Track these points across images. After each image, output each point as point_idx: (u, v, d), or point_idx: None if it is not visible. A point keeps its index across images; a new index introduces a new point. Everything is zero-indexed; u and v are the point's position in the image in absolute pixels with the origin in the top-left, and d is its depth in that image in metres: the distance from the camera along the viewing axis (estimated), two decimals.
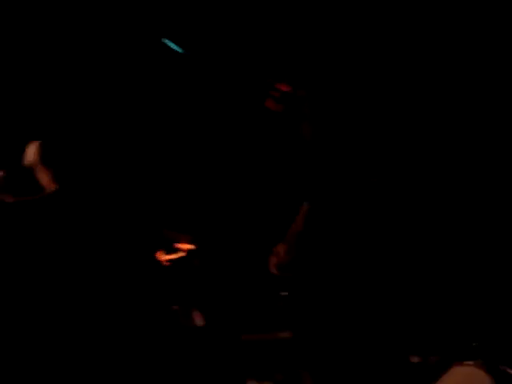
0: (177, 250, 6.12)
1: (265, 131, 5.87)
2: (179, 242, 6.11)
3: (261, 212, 6.19)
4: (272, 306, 5.89)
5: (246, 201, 6.19)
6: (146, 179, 5.97)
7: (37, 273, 4.38)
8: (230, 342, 5.95)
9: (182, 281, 6.06)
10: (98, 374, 5.32)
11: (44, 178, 4.01)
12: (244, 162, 5.97)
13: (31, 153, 4.08)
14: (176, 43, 5.85)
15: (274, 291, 5.93)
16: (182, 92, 5.87)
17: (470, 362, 4.80)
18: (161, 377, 5.72)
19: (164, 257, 6.15)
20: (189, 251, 6.10)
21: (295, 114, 5.80)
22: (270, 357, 5.76)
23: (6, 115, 4.85)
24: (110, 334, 5.69)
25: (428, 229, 5.53)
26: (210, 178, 6.04)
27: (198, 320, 6.07)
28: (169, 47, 5.86)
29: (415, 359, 5.16)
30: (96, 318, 5.67)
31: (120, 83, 5.85)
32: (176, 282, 6.03)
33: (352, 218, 5.50)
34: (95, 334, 5.60)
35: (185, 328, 5.97)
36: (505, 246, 5.42)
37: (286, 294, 5.73)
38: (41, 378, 4.81)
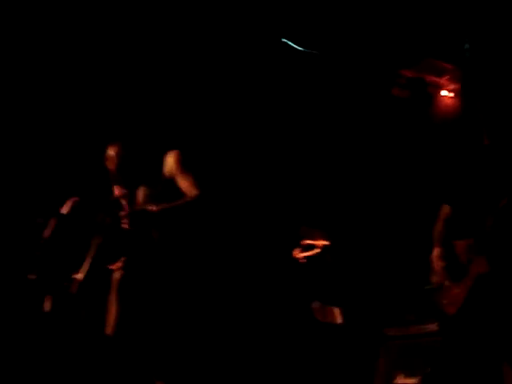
0: (312, 247, 6.11)
1: (394, 120, 5.89)
2: (315, 239, 6.10)
3: (392, 208, 6.16)
4: (415, 298, 5.77)
5: (378, 196, 6.16)
6: (281, 179, 6.01)
7: (180, 272, 4.39)
8: (372, 338, 5.85)
9: (319, 277, 6.03)
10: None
11: (185, 185, 4.06)
12: (376, 155, 5.97)
13: (171, 162, 4.15)
14: (295, 42, 5.95)
15: (413, 285, 5.83)
16: (310, 87, 5.94)
17: None
18: (300, 372, 5.66)
19: (300, 254, 6.14)
20: (324, 247, 6.08)
21: (423, 100, 5.82)
22: (416, 351, 5.60)
23: (142, 130, 4.96)
24: (248, 330, 5.69)
25: None
26: (344, 174, 6.04)
27: (337, 317, 6.01)
28: (290, 46, 5.96)
29: None
30: (235, 314, 5.69)
31: (251, 86, 5.93)
32: (313, 278, 6.00)
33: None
34: (234, 328, 5.60)
35: (324, 325, 5.91)
36: None
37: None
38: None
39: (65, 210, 4.05)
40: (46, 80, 5.30)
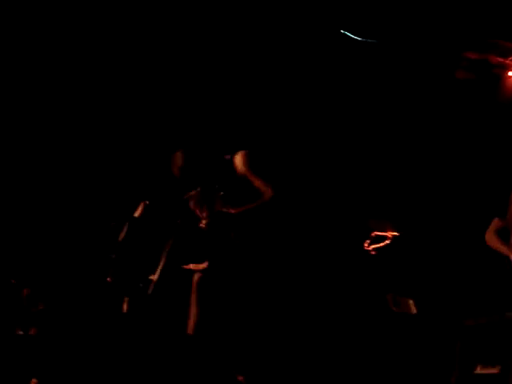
0: (383, 238, 6.05)
1: (461, 104, 5.77)
2: (384, 231, 6.04)
3: (464, 193, 6.03)
4: (494, 286, 5.63)
5: (448, 182, 6.04)
6: (349, 172, 5.96)
7: (259, 270, 4.38)
8: (450, 328, 5.73)
9: (391, 268, 5.96)
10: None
11: (260, 185, 4.01)
12: (444, 141, 5.84)
13: (240, 162, 4.10)
14: (353, 32, 5.89)
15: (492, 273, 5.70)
16: (373, 77, 5.87)
17: None
18: (376, 363, 5.60)
19: (371, 246, 6.08)
20: (394, 238, 6.00)
21: (489, 82, 5.67)
22: (497, 339, 5.46)
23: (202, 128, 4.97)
24: (323, 322, 5.65)
25: None
26: (410, 163, 5.94)
27: (412, 307, 5.92)
28: (348, 37, 5.90)
29: None
30: (312, 307, 5.66)
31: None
32: (385, 269, 5.94)
33: None
34: (311, 320, 5.58)
35: (398, 316, 5.83)
36: None
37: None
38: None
39: (137, 213, 4.11)
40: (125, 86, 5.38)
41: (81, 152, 5.40)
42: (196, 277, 3.90)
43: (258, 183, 3.96)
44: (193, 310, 3.81)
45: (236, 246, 3.91)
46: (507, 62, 5.60)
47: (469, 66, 5.64)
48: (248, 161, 4.05)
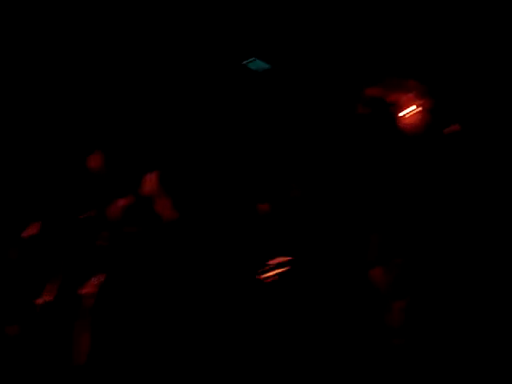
0: (277, 267, 6.05)
1: (356, 136, 5.88)
2: (275, 259, 6.05)
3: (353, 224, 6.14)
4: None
5: (339, 212, 6.13)
6: (246, 201, 5.95)
7: (157, 297, 4.30)
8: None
9: (284, 297, 5.97)
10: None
11: (164, 207, 3.97)
12: (346, 173, 5.94)
13: (150, 182, 4.06)
14: (261, 59, 5.93)
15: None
16: (273, 104, 5.91)
17: None
18: None
19: (263, 275, 6.07)
20: (286, 268, 6.03)
21: (388, 117, 5.82)
22: None
23: (123, 146, 4.82)
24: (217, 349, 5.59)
25: None
26: (311, 192, 6.01)
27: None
28: (255, 65, 5.94)
29: None
30: (212, 337, 5.59)
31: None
32: (278, 298, 5.95)
33: None
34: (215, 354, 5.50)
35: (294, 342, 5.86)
36: None
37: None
38: None
39: (26, 233, 3.93)
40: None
41: None
42: (87, 300, 3.75)
43: (162, 205, 3.90)
44: (83, 338, 3.63)
45: (134, 267, 3.82)
46: (404, 98, 5.78)
47: (369, 101, 5.78)
48: (159, 181, 4.00)
